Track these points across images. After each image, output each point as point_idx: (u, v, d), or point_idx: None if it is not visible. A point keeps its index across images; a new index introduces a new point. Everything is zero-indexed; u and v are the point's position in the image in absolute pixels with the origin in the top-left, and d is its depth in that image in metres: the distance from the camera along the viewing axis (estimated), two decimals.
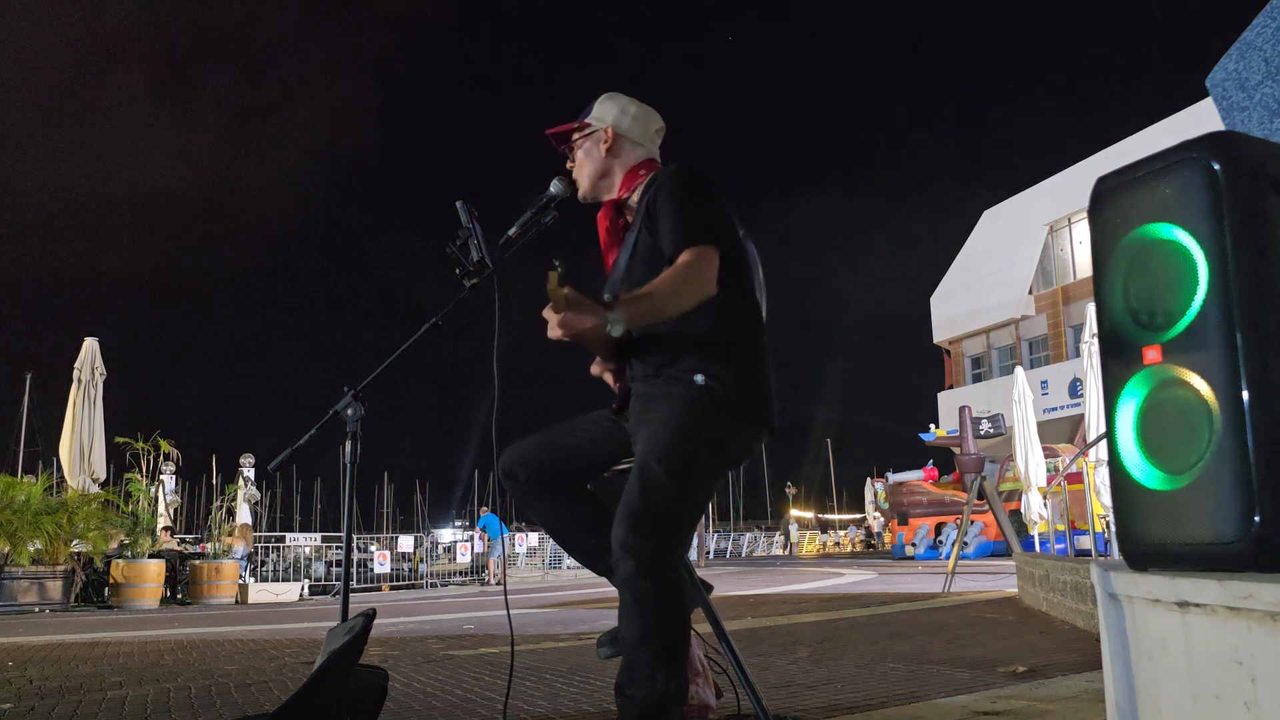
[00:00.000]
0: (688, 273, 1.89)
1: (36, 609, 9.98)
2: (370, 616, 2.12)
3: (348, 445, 2.32)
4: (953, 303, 34.57)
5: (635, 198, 2.16)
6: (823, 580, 12.12)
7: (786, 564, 22.93)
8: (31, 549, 10.19)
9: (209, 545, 12.69)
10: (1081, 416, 12.93)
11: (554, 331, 1.82)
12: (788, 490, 56.36)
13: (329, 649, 2.10)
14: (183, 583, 11.98)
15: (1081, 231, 29.07)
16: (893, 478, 28.50)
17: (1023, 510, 13.07)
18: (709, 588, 2.14)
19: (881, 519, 36.24)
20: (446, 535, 26.22)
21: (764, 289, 2.19)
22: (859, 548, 41.23)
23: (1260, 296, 1.28)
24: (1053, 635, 4.51)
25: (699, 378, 1.93)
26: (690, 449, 1.88)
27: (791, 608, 7.16)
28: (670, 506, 1.84)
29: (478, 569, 16.92)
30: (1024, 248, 31.58)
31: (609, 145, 2.19)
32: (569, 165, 2.26)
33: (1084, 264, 29.19)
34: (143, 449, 11.37)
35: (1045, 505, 12.49)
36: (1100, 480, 8.67)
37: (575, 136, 2.23)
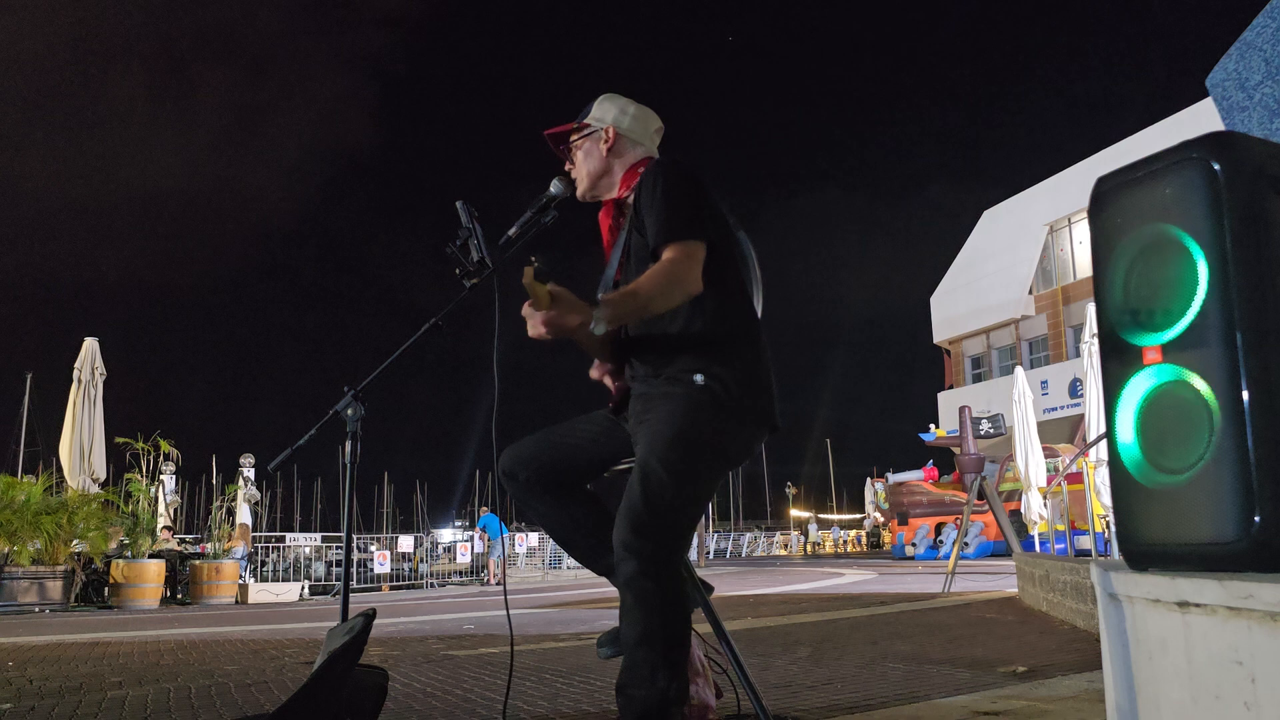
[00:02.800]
0: (671, 270, 1.88)
1: (36, 609, 9.98)
2: (370, 616, 2.11)
3: (348, 445, 2.32)
4: (953, 303, 34.57)
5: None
6: (823, 580, 12.11)
7: (786, 564, 22.92)
8: (31, 549, 10.19)
9: (209, 545, 12.69)
10: (1081, 416, 12.93)
11: (534, 330, 1.81)
12: (788, 490, 56.38)
13: (329, 649, 2.09)
14: (183, 583, 11.98)
15: (1081, 231, 29.06)
16: (893, 478, 28.52)
17: (1023, 510, 13.08)
18: (709, 588, 2.13)
19: (881, 519, 36.26)
20: (446, 535, 26.20)
21: (760, 284, 2.18)
22: (865, 547, 41.23)
23: (1260, 296, 1.28)
24: (1053, 635, 4.51)
25: (699, 378, 1.93)
26: (691, 449, 1.88)
27: (791, 608, 7.16)
28: (672, 506, 1.84)
29: (478, 569, 16.92)
30: (1024, 248, 31.58)
31: (610, 144, 2.18)
32: (567, 167, 2.25)
33: (1084, 264, 29.19)
34: (143, 449, 11.37)
35: (1045, 505, 12.49)
36: (1100, 480, 8.66)
37: (574, 137, 2.22)
